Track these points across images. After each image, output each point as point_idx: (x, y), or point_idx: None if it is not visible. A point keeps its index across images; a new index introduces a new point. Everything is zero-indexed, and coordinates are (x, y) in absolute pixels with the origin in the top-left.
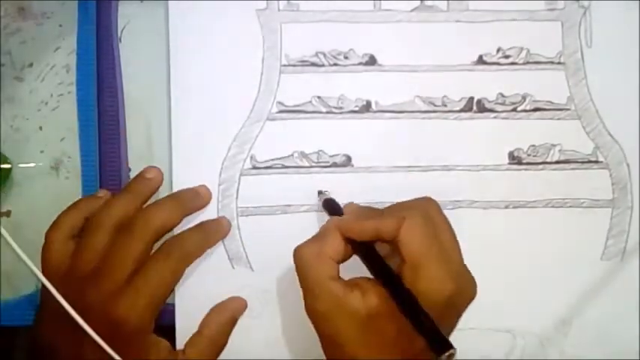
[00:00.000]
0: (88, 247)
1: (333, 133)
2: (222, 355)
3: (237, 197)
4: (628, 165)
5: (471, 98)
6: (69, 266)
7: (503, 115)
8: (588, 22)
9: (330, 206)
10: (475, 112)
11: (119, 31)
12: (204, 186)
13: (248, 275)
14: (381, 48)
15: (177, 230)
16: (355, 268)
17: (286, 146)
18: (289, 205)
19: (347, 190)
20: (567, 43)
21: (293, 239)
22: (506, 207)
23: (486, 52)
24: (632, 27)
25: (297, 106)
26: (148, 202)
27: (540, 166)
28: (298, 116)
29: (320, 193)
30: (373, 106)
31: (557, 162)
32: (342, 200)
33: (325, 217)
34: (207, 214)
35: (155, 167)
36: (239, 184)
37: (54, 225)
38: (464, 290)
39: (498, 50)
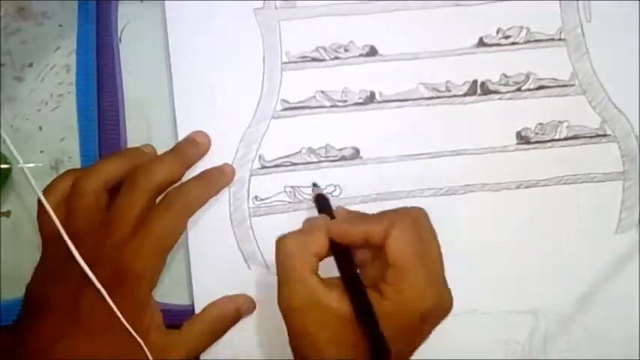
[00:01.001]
0: (77, 208)
1: (339, 127)
2: (242, 355)
3: (248, 197)
4: (636, 136)
5: (475, 81)
6: (65, 226)
7: (508, 95)
8: None
9: (321, 202)
10: (479, 94)
11: (119, 31)
12: (201, 132)
13: (264, 274)
14: (381, 38)
15: None
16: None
17: (293, 143)
18: (301, 202)
19: (357, 183)
20: (567, 19)
21: None
22: (518, 187)
23: (486, 34)
24: None
25: (302, 102)
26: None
27: (549, 144)
28: (303, 112)
29: (314, 185)
30: (377, 96)
31: (566, 138)
32: (353, 193)
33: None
34: (220, 215)
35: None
36: (249, 184)
37: (46, 189)
38: (443, 303)
39: (498, 31)
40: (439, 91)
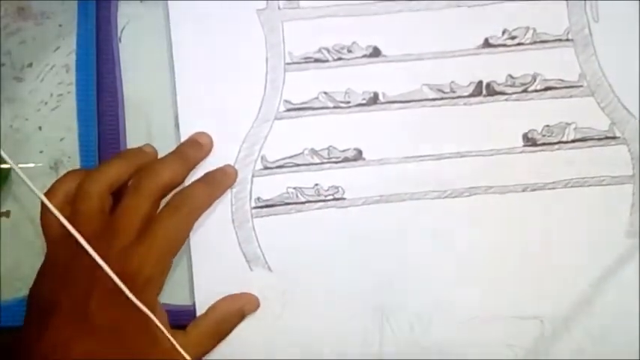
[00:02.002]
0: (81, 211)
1: (342, 128)
2: (246, 356)
3: (250, 199)
4: None
5: (480, 82)
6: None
7: (514, 97)
8: None
9: None
10: (485, 96)
11: (119, 31)
12: (204, 133)
13: (266, 276)
14: (385, 39)
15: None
16: None
17: (296, 144)
18: (303, 203)
19: (360, 184)
20: (574, 20)
21: (309, 237)
22: (524, 190)
23: (492, 35)
24: None
25: (305, 103)
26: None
27: (556, 146)
28: (306, 113)
29: None
30: (381, 97)
31: (574, 141)
32: (356, 195)
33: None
34: (222, 216)
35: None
36: (252, 185)
37: (49, 191)
38: None
39: (504, 32)
40: (443, 92)
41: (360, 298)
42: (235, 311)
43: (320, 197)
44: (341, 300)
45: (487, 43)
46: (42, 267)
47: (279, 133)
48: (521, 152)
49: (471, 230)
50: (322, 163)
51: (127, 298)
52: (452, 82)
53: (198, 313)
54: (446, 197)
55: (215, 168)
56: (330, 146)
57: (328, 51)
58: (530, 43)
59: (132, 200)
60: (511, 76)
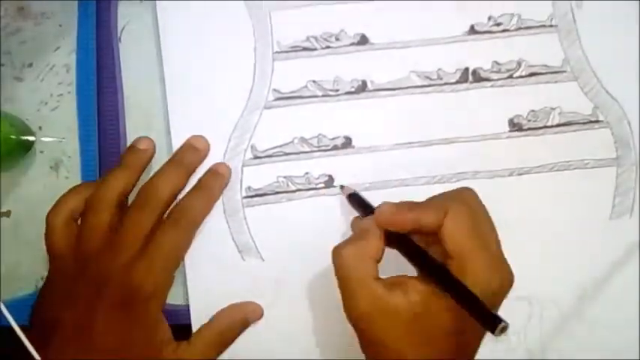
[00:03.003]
0: (92, 225)
1: (331, 116)
2: (239, 345)
3: (241, 188)
4: (629, 122)
5: (466, 69)
6: (75, 246)
7: (500, 82)
8: None
9: (357, 200)
10: (471, 82)
11: (119, 31)
12: (200, 137)
13: (259, 266)
14: (372, 26)
15: None
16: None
17: (286, 133)
18: (294, 192)
19: (350, 172)
20: (557, 6)
21: (301, 225)
22: (511, 175)
23: (477, 22)
24: None
25: (293, 92)
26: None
27: (541, 131)
28: (295, 102)
29: (342, 187)
30: (369, 85)
31: (558, 125)
32: (346, 182)
33: (345, 206)
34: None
35: (146, 137)
36: (242, 175)
37: (54, 209)
38: (505, 280)
39: (489, 18)
40: (431, 79)
41: None
42: (239, 320)
43: (310, 185)
44: (333, 287)
45: (473, 30)
46: (45, 284)
47: (269, 122)
48: (507, 137)
49: None
50: (312, 151)
51: (131, 312)
52: (439, 69)
53: (193, 308)
54: (435, 183)
55: (207, 169)
56: (320, 134)
57: (316, 39)
58: (515, 30)
59: (136, 216)
60: (497, 63)
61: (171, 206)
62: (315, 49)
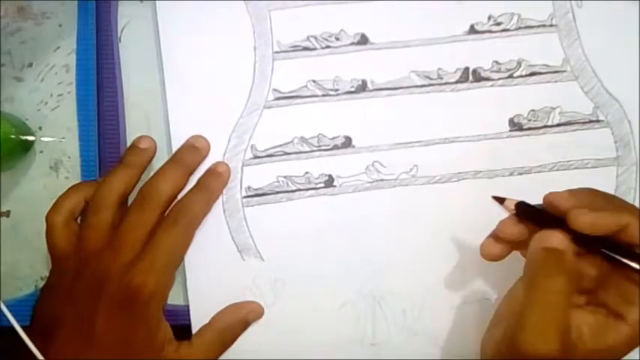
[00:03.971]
0: (93, 225)
1: (331, 116)
2: (239, 345)
3: (240, 188)
4: (629, 122)
5: (466, 69)
6: (76, 245)
7: (500, 82)
8: None
9: (529, 211)
10: (471, 82)
11: (119, 31)
12: (200, 137)
13: (259, 265)
14: (372, 26)
15: None
16: None
17: (286, 133)
18: (294, 192)
19: (350, 171)
20: (558, 5)
21: (300, 225)
22: (511, 174)
23: (477, 21)
24: None
25: (293, 91)
26: None
27: (542, 131)
28: (295, 102)
29: (497, 199)
30: (369, 85)
31: (559, 125)
32: (346, 182)
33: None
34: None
35: (147, 136)
36: (242, 174)
37: (54, 208)
38: None
39: (489, 18)
40: (431, 79)
41: (351, 284)
42: (239, 320)
43: (310, 185)
44: (333, 287)
45: (473, 30)
46: (47, 283)
47: (269, 122)
48: (507, 137)
49: (460, 214)
50: (312, 151)
51: (132, 312)
52: (439, 68)
53: (192, 308)
54: (435, 183)
55: (207, 169)
56: (320, 134)
57: (316, 39)
58: (516, 29)
59: (136, 216)
60: (497, 62)
61: (171, 206)
62: (315, 49)
